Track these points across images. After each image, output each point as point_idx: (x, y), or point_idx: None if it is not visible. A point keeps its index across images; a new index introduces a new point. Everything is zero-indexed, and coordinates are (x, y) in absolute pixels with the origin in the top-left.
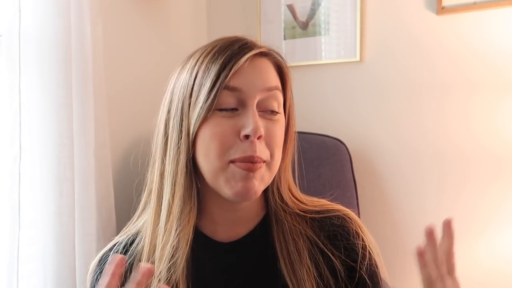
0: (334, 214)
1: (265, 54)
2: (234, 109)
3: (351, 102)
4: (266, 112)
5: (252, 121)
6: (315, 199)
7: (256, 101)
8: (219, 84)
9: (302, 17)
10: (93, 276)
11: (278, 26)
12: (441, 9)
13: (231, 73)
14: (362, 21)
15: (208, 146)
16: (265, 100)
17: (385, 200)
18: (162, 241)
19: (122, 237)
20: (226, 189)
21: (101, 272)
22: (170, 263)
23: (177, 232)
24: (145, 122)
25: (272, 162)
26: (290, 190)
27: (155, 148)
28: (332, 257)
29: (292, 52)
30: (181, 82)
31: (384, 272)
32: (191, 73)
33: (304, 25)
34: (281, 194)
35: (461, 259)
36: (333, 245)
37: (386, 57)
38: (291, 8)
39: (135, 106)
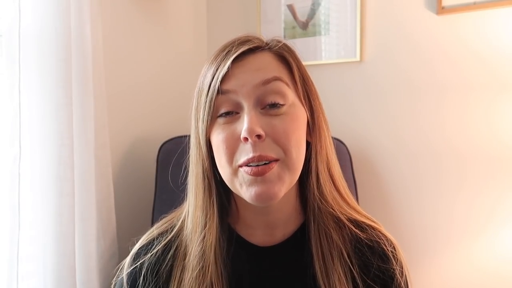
0: (370, 232)
1: (260, 48)
2: (235, 114)
3: (351, 102)
4: (268, 107)
5: (246, 122)
6: (354, 208)
7: (252, 100)
8: (212, 92)
9: (302, 17)
10: (127, 271)
11: (278, 26)
12: (441, 9)
13: (219, 80)
14: (362, 21)
15: (218, 153)
16: (264, 95)
17: (385, 200)
18: (194, 248)
19: (158, 236)
20: (243, 194)
21: (136, 268)
22: (197, 270)
23: (203, 238)
24: (145, 122)
25: (289, 159)
26: (336, 187)
27: (190, 157)
28: (355, 273)
29: None
30: (194, 92)
31: None
32: (198, 83)
33: (304, 25)
34: (322, 192)
35: (459, 259)
36: (361, 265)
37: (386, 57)
38: (291, 8)
39: (135, 106)
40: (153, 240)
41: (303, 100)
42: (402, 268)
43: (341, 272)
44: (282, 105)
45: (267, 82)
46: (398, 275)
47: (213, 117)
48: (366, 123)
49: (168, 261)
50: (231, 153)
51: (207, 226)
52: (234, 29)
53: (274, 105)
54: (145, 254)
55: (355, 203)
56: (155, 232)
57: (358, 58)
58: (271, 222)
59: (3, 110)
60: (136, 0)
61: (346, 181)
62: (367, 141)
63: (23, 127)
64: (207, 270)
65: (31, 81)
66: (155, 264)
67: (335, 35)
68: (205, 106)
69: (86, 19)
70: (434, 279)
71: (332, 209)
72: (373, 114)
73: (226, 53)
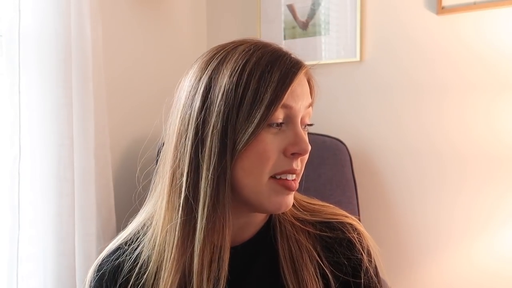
0: (335, 225)
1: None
2: (280, 125)
3: (351, 102)
4: (303, 127)
5: (303, 139)
6: (316, 203)
7: (300, 118)
8: (278, 102)
9: (302, 17)
10: (90, 282)
11: (278, 26)
12: (441, 9)
13: (288, 91)
14: (362, 21)
15: (254, 161)
16: (304, 116)
17: (385, 200)
18: (201, 260)
19: (122, 245)
20: (266, 204)
21: (99, 280)
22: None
23: (219, 250)
24: (145, 122)
25: (300, 174)
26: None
27: (176, 158)
28: (325, 270)
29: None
30: (222, 89)
31: (384, 274)
32: (238, 82)
33: (304, 25)
34: None
35: (460, 259)
36: (328, 258)
37: (386, 57)
38: (291, 8)
39: (135, 106)
40: (118, 249)
41: None
42: (369, 253)
43: (310, 268)
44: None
45: (310, 105)
46: (365, 261)
47: (263, 126)
48: (366, 123)
49: (140, 272)
50: (269, 164)
51: (227, 225)
52: (234, 29)
53: (306, 128)
54: (110, 264)
55: (318, 204)
56: (120, 241)
57: (358, 58)
58: (246, 224)
59: (3, 110)
60: (136, 1)
61: (346, 181)
62: (367, 141)
63: (23, 127)
64: (222, 281)
65: (31, 81)
66: (124, 278)
67: (335, 35)
68: (264, 114)
69: (86, 19)
70: (435, 279)
71: (293, 216)
72: (372, 114)
73: (291, 65)
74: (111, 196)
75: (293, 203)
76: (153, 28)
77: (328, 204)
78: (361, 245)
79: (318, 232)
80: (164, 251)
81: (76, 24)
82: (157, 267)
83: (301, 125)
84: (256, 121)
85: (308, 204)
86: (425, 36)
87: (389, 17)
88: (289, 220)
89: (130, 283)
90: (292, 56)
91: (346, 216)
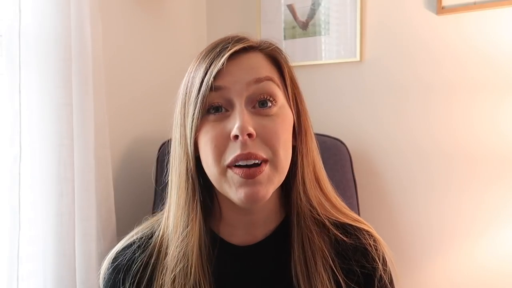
0: (351, 231)
1: (253, 48)
2: (224, 112)
3: (351, 102)
4: (259, 107)
5: (238, 120)
6: (346, 208)
7: (244, 98)
8: (205, 88)
9: (302, 17)
10: (104, 275)
11: (278, 26)
12: (441, 9)
13: (212, 75)
14: (362, 21)
15: (205, 152)
16: (256, 94)
17: (385, 200)
18: (172, 248)
19: (137, 240)
20: (231, 195)
21: (113, 272)
22: (178, 271)
23: (183, 239)
24: (145, 122)
25: (277, 159)
26: (322, 191)
27: (170, 156)
28: (339, 277)
29: (292, 52)
30: (179, 91)
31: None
32: (186, 80)
33: (304, 25)
34: (308, 196)
35: (464, 259)
36: (342, 265)
37: (386, 57)
38: (291, 8)
39: (135, 106)
40: (133, 243)
41: (291, 103)
42: (384, 261)
43: (324, 275)
44: (273, 105)
45: (259, 80)
46: (380, 270)
47: (203, 114)
48: (366, 123)
49: (149, 267)
50: (220, 152)
51: (189, 227)
52: (234, 29)
53: (265, 105)
54: (124, 258)
55: (343, 205)
56: (134, 237)
57: (358, 58)
58: (253, 222)
59: (3, 110)
60: (136, 1)
61: (346, 181)
62: (367, 141)
63: (23, 127)
64: (189, 272)
65: (31, 81)
66: (136, 272)
67: (335, 35)
68: (196, 102)
69: (86, 19)
70: (438, 279)
71: (318, 214)
72: (373, 114)
73: (220, 50)
74: (111, 196)
75: (326, 198)
76: (153, 28)
77: (347, 208)
78: (377, 253)
79: (334, 236)
80: (162, 244)
81: (76, 24)
82: (156, 259)
83: (256, 105)
84: (192, 111)
85: (339, 205)
86: (425, 36)
87: (389, 17)
88: (315, 217)
89: (139, 276)
90: (230, 42)
91: (363, 223)
